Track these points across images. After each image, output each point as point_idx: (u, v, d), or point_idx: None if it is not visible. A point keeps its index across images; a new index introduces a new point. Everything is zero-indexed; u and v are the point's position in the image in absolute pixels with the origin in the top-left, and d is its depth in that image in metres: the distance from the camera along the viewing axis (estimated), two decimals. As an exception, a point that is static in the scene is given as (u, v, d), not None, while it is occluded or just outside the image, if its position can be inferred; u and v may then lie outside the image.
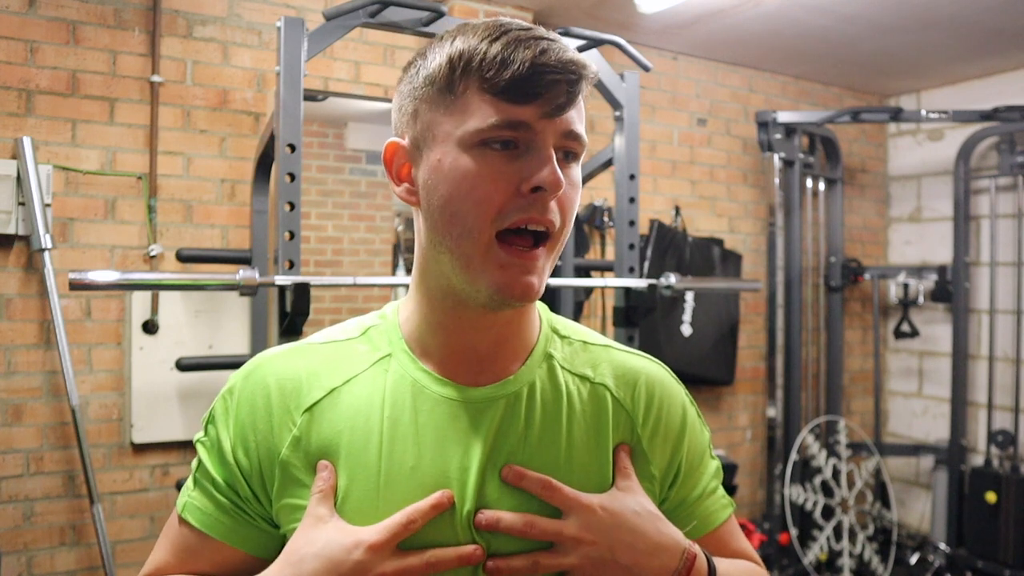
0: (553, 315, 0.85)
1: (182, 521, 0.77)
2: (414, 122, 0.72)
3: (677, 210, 3.49)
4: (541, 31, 0.69)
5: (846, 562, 3.39)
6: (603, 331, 3.06)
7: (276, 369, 0.76)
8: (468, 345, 0.75)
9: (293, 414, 0.74)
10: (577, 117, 0.71)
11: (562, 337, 0.82)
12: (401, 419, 0.73)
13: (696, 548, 0.76)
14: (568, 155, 0.71)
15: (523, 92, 0.66)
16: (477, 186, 0.67)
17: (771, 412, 3.45)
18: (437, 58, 0.70)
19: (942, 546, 3.54)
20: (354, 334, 0.79)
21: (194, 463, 0.79)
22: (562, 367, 0.79)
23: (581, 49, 2.23)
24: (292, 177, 1.82)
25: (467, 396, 0.74)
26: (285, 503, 0.73)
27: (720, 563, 0.79)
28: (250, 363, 0.79)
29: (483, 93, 0.67)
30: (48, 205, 2.28)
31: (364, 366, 0.76)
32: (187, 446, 2.51)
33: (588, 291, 3.07)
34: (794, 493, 3.35)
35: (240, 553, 0.76)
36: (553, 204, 0.69)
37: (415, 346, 0.77)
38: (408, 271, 2.68)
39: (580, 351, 0.81)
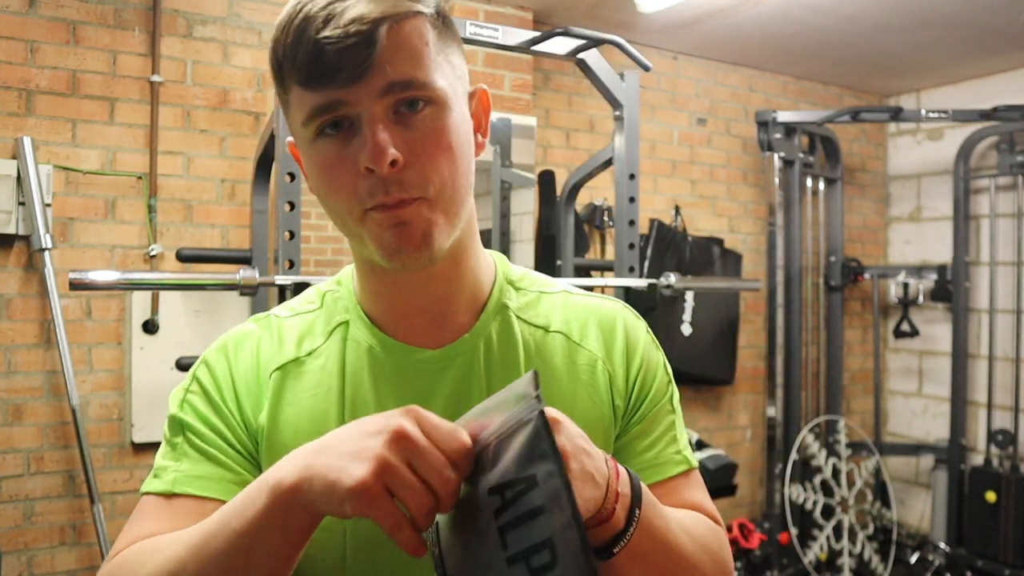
0: (512, 266, 0.84)
1: (171, 497, 0.72)
2: (287, 120, 0.72)
3: (677, 210, 3.49)
4: None
5: (846, 561, 3.39)
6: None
7: (249, 339, 0.78)
8: (413, 306, 0.75)
9: (264, 381, 0.75)
10: (404, 61, 0.65)
11: (518, 289, 0.81)
12: (361, 386, 0.74)
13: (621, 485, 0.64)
14: (413, 104, 0.66)
15: (320, 73, 0.63)
16: (331, 176, 0.67)
17: (771, 411, 3.45)
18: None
19: (942, 545, 3.54)
20: (315, 304, 0.81)
21: (172, 440, 0.75)
22: (518, 317, 0.79)
23: (581, 49, 2.23)
24: (292, 177, 1.82)
25: (423, 358, 0.75)
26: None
27: (652, 496, 0.68)
28: (221, 339, 0.80)
29: (297, 86, 0.66)
30: (48, 205, 2.28)
31: (323, 338, 0.78)
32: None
33: (588, 291, 3.07)
34: (794, 492, 3.35)
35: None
36: (409, 175, 0.65)
37: (368, 311, 0.77)
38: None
39: (536, 302, 0.81)
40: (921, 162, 4.03)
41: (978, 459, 3.61)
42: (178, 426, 0.75)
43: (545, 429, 0.54)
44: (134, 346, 2.43)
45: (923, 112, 3.40)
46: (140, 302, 2.45)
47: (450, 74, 0.69)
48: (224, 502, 0.69)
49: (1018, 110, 3.28)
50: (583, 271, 2.87)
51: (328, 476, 0.55)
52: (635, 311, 0.86)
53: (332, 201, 0.68)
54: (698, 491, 0.82)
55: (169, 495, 0.72)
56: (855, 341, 4.08)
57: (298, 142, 0.71)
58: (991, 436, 3.48)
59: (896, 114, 3.43)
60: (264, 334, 0.79)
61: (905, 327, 3.79)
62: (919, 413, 4.01)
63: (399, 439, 0.54)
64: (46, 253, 2.22)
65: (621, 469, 0.65)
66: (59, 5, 2.32)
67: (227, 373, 0.76)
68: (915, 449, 3.83)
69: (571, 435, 0.59)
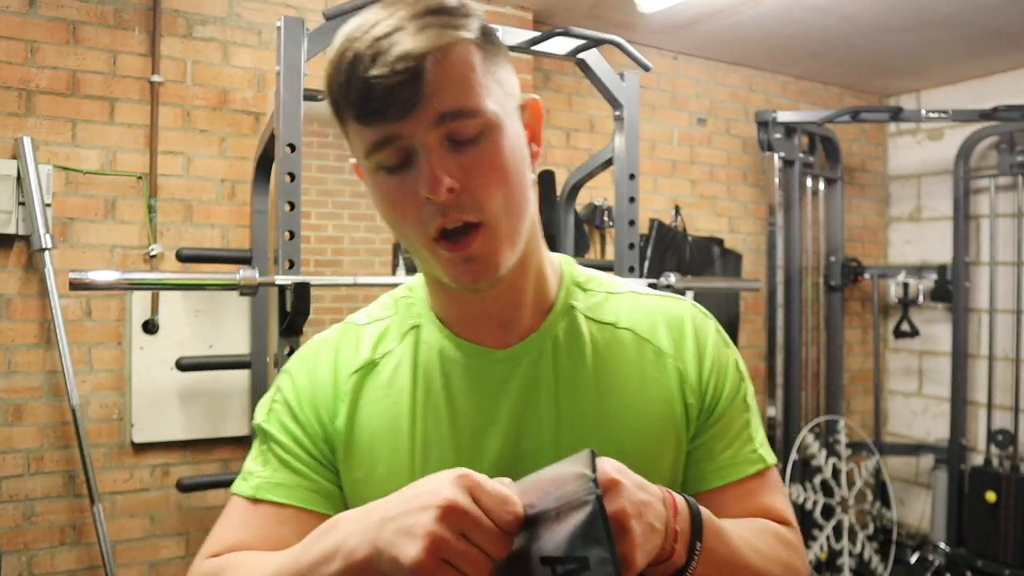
0: (579, 268, 0.86)
1: (256, 503, 0.78)
2: (350, 146, 0.74)
3: (677, 210, 3.49)
4: (385, 26, 0.65)
5: (846, 561, 3.39)
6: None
7: (328, 346, 0.83)
8: (482, 311, 0.78)
9: (341, 385, 0.80)
10: (452, 90, 0.66)
11: (585, 290, 0.84)
12: (433, 385, 0.78)
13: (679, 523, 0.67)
14: (462, 137, 0.67)
15: (372, 110, 0.66)
16: (394, 205, 0.70)
17: (771, 411, 3.45)
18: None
19: (942, 545, 3.54)
20: (390, 310, 0.85)
21: (259, 448, 0.81)
22: (586, 316, 0.81)
23: (581, 49, 2.23)
24: (292, 177, 1.82)
25: (492, 358, 0.78)
26: (347, 472, 0.78)
27: (715, 522, 0.70)
28: (303, 347, 0.86)
29: (353, 120, 0.68)
30: (48, 205, 2.28)
31: (397, 341, 0.81)
32: (187, 446, 2.51)
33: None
34: (794, 492, 3.35)
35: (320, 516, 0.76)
36: (465, 198, 0.67)
37: (439, 314, 0.81)
38: (408, 270, 2.68)
39: (604, 302, 0.83)
40: (921, 162, 4.03)
41: (978, 459, 3.61)
42: (263, 435, 0.81)
43: (602, 515, 0.55)
44: (134, 346, 2.43)
45: (923, 112, 3.40)
46: (140, 302, 2.44)
47: (499, 93, 0.70)
48: (300, 509, 0.77)
49: (1018, 110, 3.28)
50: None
51: (390, 553, 0.58)
52: (704, 309, 0.87)
53: (401, 229, 0.71)
54: (772, 493, 0.83)
55: (253, 500, 0.78)
56: (855, 341, 4.08)
57: (362, 168, 0.74)
58: (991, 436, 3.48)
59: (896, 114, 3.43)
60: (343, 340, 0.83)
61: (905, 327, 3.79)
62: (919, 413, 4.01)
63: (449, 513, 0.56)
64: (46, 253, 2.22)
65: (679, 503, 0.67)
66: (59, 5, 2.32)
67: (306, 381, 0.81)
68: (915, 449, 3.83)
69: (630, 492, 0.61)
